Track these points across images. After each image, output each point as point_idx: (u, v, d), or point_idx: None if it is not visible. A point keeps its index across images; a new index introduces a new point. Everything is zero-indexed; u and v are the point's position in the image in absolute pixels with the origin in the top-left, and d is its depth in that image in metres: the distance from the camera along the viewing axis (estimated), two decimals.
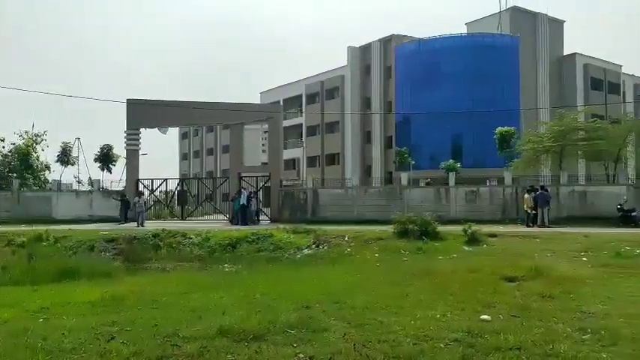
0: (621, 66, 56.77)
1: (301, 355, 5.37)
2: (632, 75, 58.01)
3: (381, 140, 54.23)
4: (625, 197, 23.95)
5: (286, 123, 56.38)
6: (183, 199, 31.16)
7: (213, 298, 8.67)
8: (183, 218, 30.04)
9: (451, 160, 33.98)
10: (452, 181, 27.79)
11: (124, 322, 6.91)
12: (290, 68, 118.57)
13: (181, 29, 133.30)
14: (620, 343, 5.71)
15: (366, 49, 56.17)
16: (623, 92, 55.73)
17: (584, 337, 5.97)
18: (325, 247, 17.41)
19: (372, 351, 5.43)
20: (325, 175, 52.45)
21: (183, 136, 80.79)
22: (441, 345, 5.63)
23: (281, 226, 21.63)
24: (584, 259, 13.37)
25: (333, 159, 58.25)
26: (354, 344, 5.59)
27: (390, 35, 53.59)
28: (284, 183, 31.26)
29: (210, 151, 74.50)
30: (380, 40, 54.58)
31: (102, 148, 36.57)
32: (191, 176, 64.27)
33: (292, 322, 6.56)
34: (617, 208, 22.74)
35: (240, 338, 5.94)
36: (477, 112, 38.20)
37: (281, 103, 53.01)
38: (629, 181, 28.09)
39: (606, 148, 29.11)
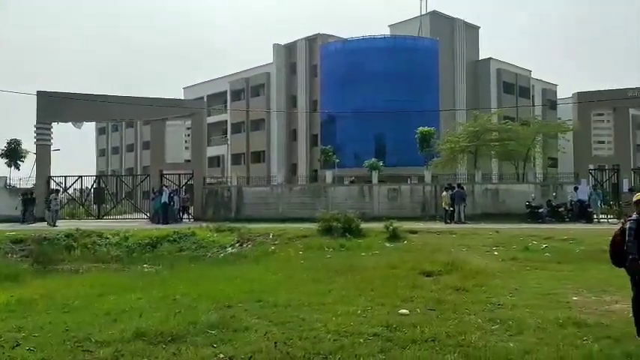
0: (531, 71, 60.50)
1: (221, 356, 5.29)
2: (541, 80, 61.97)
3: (306, 138, 54.53)
4: (533, 195, 25.56)
5: (210, 119, 55.26)
6: (100, 198, 29.73)
7: (130, 299, 8.36)
8: (100, 217, 28.68)
9: (374, 159, 34.76)
10: (375, 180, 28.44)
11: (31, 328, 6.51)
12: (214, 64, 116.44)
13: (100, 20, 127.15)
14: (526, 332, 6.09)
15: (291, 48, 56.22)
16: (533, 96, 59.37)
17: (493, 327, 6.31)
18: (249, 246, 17.27)
19: (293, 348, 5.45)
20: (250, 172, 51.95)
21: (101, 131, 77.12)
22: (361, 340, 5.75)
23: (204, 224, 21.20)
24: (496, 253, 14.14)
25: (258, 157, 57.84)
26: (275, 342, 5.58)
27: (316, 34, 53.96)
28: (208, 181, 30.64)
29: (130, 148, 71.60)
30: (306, 39, 54.83)
31: (9, 143, 34.09)
32: (109, 173, 61.47)
33: (213, 323, 6.46)
34: (526, 205, 24.22)
35: (158, 341, 5.77)
36: (398, 112, 39.30)
37: (205, 99, 51.75)
38: (537, 180, 30.05)
39: (516, 148, 30.97)
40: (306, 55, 54.52)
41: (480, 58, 56.33)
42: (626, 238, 5.70)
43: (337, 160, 40.44)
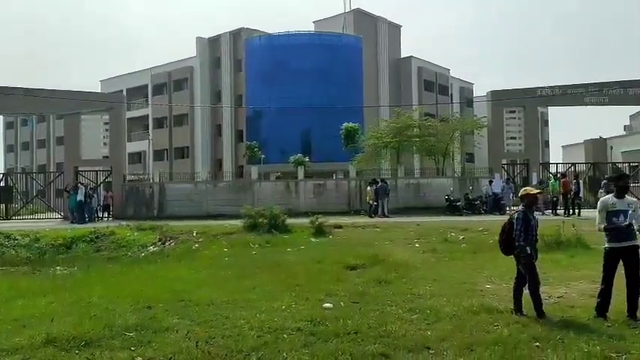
0: (449, 70, 63.12)
1: (139, 359, 5.11)
2: (459, 79, 64.77)
3: (231, 134, 53.78)
4: (451, 189, 26.68)
5: (130, 114, 53.10)
6: (8, 197, 27.78)
7: (40, 304, 7.86)
8: (7, 217, 26.80)
9: (300, 155, 34.89)
10: (301, 175, 28.54)
11: None
12: (134, 57, 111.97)
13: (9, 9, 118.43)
14: (443, 320, 6.35)
15: (215, 41, 55.18)
16: (451, 94, 61.95)
17: (412, 317, 6.52)
18: (172, 244, 16.80)
19: (215, 347, 5.36)
20: (174, 169, 50.61)
21: (8, 125, 72.10)
22: (284, 335, 5.74)
23: (124, 223, 20.38)
24: (417, 245, 14.62)
25: (182, 152, 56.40)
26: (197, 342, 5.46)
27: (240, 28, 53.29)
28: (128, 178, 29.49)
29: (41, 143, 67.41)
30: (230, 33, 54.00)
31: None
32: (18, 171, 57.61)
33: (131, 325, 6.22)
34: (445, 199, 25.24)
35: (71, 346, 5.47)
36: (323, 108, 39.64)
37: (124, 92, 49.71)
38: (455, 174, 31.40)
39: (436, 144, 32.16)
40: (230, 49, 53.75)
41: (402, 57, 57.94)
42: (515, 227, 6.41)
43: (263, 156, 40.24)
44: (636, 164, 30.97)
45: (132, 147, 54.25)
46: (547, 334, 5.59)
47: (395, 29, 57.98)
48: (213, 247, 15.38)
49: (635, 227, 6.24)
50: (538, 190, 7.29)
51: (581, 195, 23.12)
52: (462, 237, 15.74)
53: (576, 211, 22.12)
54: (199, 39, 55.29)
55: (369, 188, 24.68)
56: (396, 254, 12.35)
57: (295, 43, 46.95)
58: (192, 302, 7.60)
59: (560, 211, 22.99)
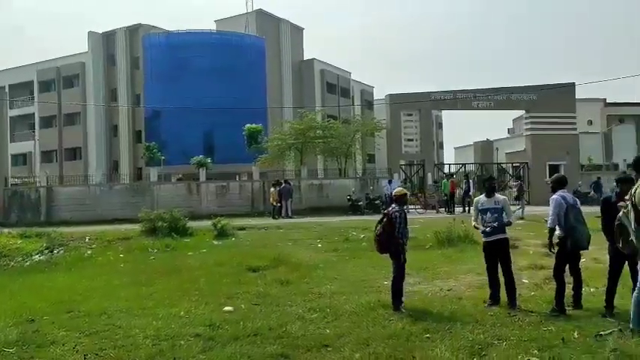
0: (350, 73, 64.73)
1: None
2: (360, 82, 66.63)
3: (129, 134, 51.28)
4: (353, 189, 27.44)
5: (13, 112, 49.08)
6: None
7: None
8: None
9: (202, 156, 34.10)
10: (203, 177, 27.95)
11: None
12: (17, 50, 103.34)
13: None
14: (342, 317, 6.50)
15: (110, 37, 52.34)
16: (353, 96, 63.57)
17: (312, 316, 6.61)
18: (61, 252, 15.68)
19: (104, 359, 5.08)
20: (65, 171, 47.33)
21: None
22: (182, 342, 5.59)
23: (6, 230, 18.73)
24: (319, 245, 14.84)
25: (74, 154, 52.86)
26: (85, 355, 5.16)
27: (137, 24, 51.02)
28: (11, 181, 27.19)
29: None
30: (126, 28, 51.50)
31: None
32: None
33: (12, 340, 5.75)
34: (347, 199, 25.90)
35: None
36: (226, 109, 39.04)
37: (6, 89, 45.72)
38: (357, 175, 32.34)
39: (338, 145, 32.91)
40: (126, 45, 51.25)
41: (304, 59, 58.56)
42: (396, 226, 6.83)
43: (163, 158, 38.80)
44: (518, 164, 33.73)
45: (16, 148, 50.09)
46: (437, 326, 5.91)
47: (297, 31, 58.44)
48: (108, 254, 14.56)
49: (505, 221, 6.90)
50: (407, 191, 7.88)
51: (471, 193, 24.73)
52: (362, 236, 16.17)
53: (466, 208, 23.63)
54: (92, 34, 52.17)
55: (272, 189, 24.70)
56: (298, 255, 12.45)
57: (196, 42, 45.76)
58: (83, 313, 7.17)
59: (458, 209, 24.46)
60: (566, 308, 6.40)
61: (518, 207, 20.92)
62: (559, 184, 6.69)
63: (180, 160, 39.60)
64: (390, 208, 7.03)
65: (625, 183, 5.95)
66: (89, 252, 15.15)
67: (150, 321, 6.52)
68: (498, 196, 7.14)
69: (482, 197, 7.21)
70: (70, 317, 6.95)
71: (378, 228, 7.02)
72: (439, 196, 26.35)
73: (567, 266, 6.58)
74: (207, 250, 14.57)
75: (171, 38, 46.92)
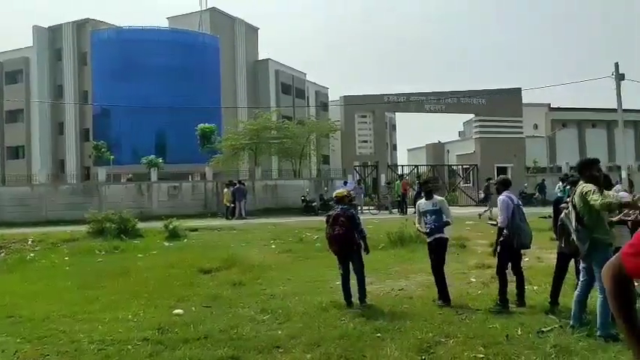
0: (306, 74, 64.78)
1: None
2: (315, 83, 66.79)
3: (76, 133, 49.51)
4: (307, 190, 27.48)
5: None
6: None
7: None
8: None
9: (153, 156, 33.34)
10: (154, 177, 27.35)
11: None
12: None
13: None
14: (294, 318, 6.49)
15: (56, 31, 50.41)
16: (307, 97, 63.65)
17: (264, 317, 6.58)
18: (2, 254, 15.00)
19: None
20: (7, 170, 45.35)
21: None
22: (129, 346, 5.45)
23: None
24: (273, 246, 14.77)
25: (16, 152, 50.62)
26: None
27: (86, 19, 49.37)
28: None
29: None
30: (73, 23, 49.73)
31: None
32: None
33: None
34: (302, 200, 25.92)
35: None
36: (178, 108, 38.33)
37: None
38: (311, 176, 32.41)
39: (293, 146, 32.86)
40: (73, 41, 49.48)
41: (259, 59, 58.21)
42: (359, 223, 7.14)
43: (112, 157, 37.69)
44: (468, 166, 34.67)
45: None
46: (388, 325, 5.99)
47: (252, 31, 58.03)
48: (52, 256, 14.03)
49: (444, 221, 7.17)
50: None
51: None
52: (316, 237, 16.18)
53: None
54: (37, 28, 50.12)
55: (226, 190, 24.43)
56: (251, 256, 12.36)
57: (148, 39, 44.70)
58: (24, 317, 6.89)
59: (411, 209, 24.84)
60: (510, 306, 6.61)
61: (486, 209, 20.91)
62: (504, 185, 6.93)
63: (130, 159, 38.64)
64: (339, 209, 7.12)
65: (574, 185, 6.24)
66: (32, 254, 14.56)
67: (96, 325, 6.33)
68: (436, 197, 7.42)
69: (422, 200, 7.50)
70: (10, 322, 6.67)
71: (335, 229, 6.99)
72: (392, 197, 26.75)
73: (510, 265, 6.82)
74: (157, 251, 14.27)
75: (122, 34, 45.69)
